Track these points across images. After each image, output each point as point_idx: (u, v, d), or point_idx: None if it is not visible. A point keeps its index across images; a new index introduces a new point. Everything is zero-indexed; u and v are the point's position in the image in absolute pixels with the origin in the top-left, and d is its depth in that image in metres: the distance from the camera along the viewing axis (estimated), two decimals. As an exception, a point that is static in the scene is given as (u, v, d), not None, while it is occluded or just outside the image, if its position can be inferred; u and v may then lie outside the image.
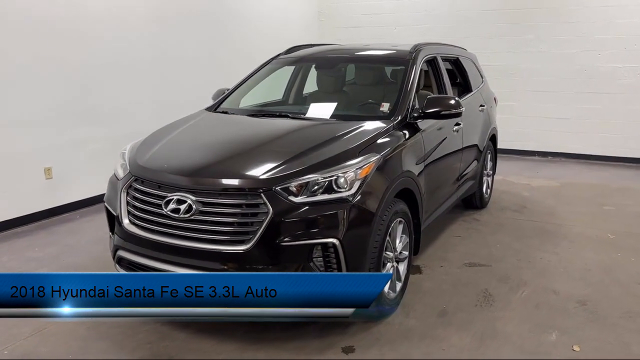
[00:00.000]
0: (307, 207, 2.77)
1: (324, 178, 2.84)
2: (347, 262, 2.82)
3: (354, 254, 2.86)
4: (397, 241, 3.37)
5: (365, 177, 2.93)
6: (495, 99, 6.09)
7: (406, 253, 3.52)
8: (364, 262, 2.92)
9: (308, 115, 3.79)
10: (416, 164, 3.55)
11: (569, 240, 4.75)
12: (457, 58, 5.21)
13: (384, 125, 3.45)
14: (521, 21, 8.29)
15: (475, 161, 5.14)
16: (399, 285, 3.43)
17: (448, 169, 4.32)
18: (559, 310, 3.45)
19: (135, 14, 5.92)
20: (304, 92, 4.85)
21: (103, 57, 5.55)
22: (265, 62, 4.63)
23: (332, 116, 3.75)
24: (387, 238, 3.16)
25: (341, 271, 2.83)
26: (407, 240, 3.50)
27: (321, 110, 3.95)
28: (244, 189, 2.78)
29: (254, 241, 2.71)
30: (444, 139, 4.17)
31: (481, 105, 5.29)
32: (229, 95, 4.30)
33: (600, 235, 4.86)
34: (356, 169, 2.91)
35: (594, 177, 7.16)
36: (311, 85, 4.87)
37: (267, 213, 2.73)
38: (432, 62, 4.54)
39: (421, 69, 4.53)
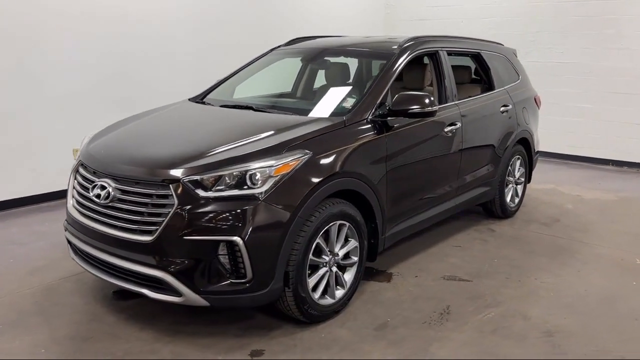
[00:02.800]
0: (213, 202, 2.69)
1: (237, 173, 2.74)
2: (253, 263, 2.71)
3: (261, 255, 2.74)
4: (338, 245, 3.17)
5: (284, 174, 2.79)
6: (536, 99, 5.54)
7: (355, 258, 3.31)
8: (277, 265, 2.79)
9: (273, 108, 3.67)
10: (372, 164, 3.31)
11: (584, 261, 4.20)
12: (479, 53, 4.79)
13: (334, 121, 3.26)
14: (600, 13, 7.43)
15: (490, 165, 4.70)
16: (339, 292, 3.24)
17: (434, 172, 3.99)
18: (516, 338, 3.06)
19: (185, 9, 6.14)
20: (312, 86, 4.73)
21: (146, 49, 5.81)
22: (264, 54, 4.57)
23: (293, 110, 3.61)
24: (318, 241, 2.99)
25: (245, 271, 2.73)
26: (357, 245, 3.29)
27: (286, 104, 3.83)
28: (155, 180, 2.77)
29: (157, 232, 2.69)
30: (429, 139, 3.86)
31: (504, 106, 4.82)
32: (218, 85, 4.30)
33: (626, 259, 4.24)
34: (271, 166, 2.78)
35: (666, 192, 6.27)
36: (320, 79, 4.75)
37: (172, 205, 2.70)
38: (433, 57, 4.21)
39: (422, 64, 4.28)
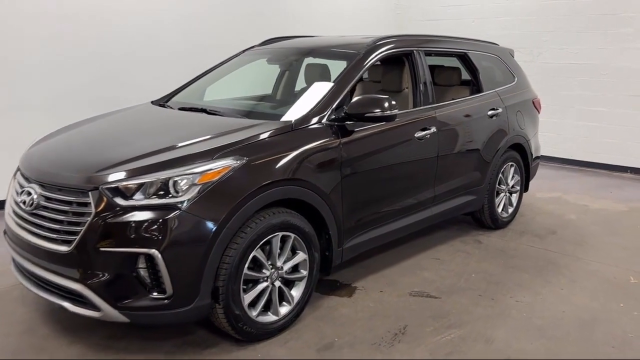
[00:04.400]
0: (132, 212, 2.52)
1: (160, 180, 2.57)
2: (173, 278, 2.53)
3: (183, 269, 2.55)
4: (282, 258, 2.96)
5: (211, 182, 2.59)
6: (535, 103, 5.19)
7: (305, 272, 3.10)
8: (202, 280, 2.59)
9: (225, 111, 3.46)
10: (323, 171, 3.09)
11: (571, 279, 3.86)
12: (465, 54, 4.49)
13: (281, 125, 3.05)
14: (617, 11, 6.98)
15: (476, 172, 4.40)
16: (284, 309, 3.02)
17: (404, 180, 3.73)
18: (471, 365, 2.79)
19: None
20: (289, 88, 4.54)
21: (134, 49, 5.72)
22: (236, 54, 4.40)
23: (247, 114, 3.42)
24: (256, 254, 2.79)
25: (165, 287, 2.55)
26: (306, 257, 3.07)
27: (244, 107, 3.64)
28: (75, 186, 2.62)
29: (75, 243, 2.54)
30: (396, 145, 3.60)
31: (493, 109, 4.51)
32: (185, 87, 4.15)
33: (618, 277, 3.89)
34: (195, 173, 2.59)
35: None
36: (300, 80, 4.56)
37: (90, 214, 2.54)
38: (408, 58, 3.96)
39: (401, 65, 4.04)
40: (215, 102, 3.93)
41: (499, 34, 7.94)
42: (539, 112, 5.31)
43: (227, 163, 2.67)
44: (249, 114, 3.45)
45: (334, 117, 3.23)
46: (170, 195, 2.55)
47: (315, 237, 3.11)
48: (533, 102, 5.16)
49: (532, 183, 5.84)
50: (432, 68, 4.87)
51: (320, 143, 3.10)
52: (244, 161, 2.72)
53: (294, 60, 4.20)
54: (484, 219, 4.74)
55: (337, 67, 3.62)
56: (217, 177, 2.61)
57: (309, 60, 4.12)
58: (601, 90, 7.22)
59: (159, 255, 2.48)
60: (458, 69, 4.69)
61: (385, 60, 3.86)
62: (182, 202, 2.53)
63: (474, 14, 8.27)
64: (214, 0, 6.37)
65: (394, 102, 3.24)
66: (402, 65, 4.06)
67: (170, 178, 2.56)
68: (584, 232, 4.85)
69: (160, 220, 2.49)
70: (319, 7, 7.74)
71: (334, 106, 3.26)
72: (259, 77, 4.72)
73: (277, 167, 2.85)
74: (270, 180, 2.79)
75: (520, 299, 3.54)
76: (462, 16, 8.40)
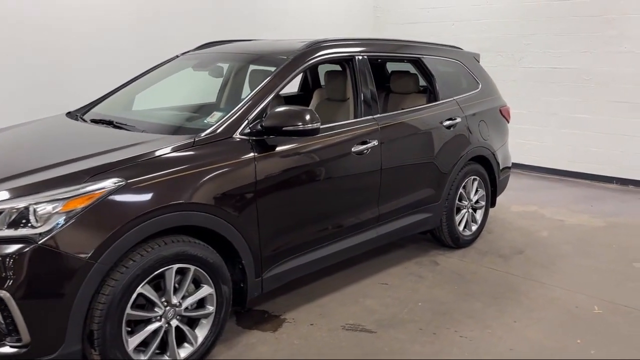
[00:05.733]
0: (-18, 245, 2.17)
1: (15, 209, 2.21)
2: (29, 323, 2.17)
3: (42, 313, 2.19)
4: (180, 294, 2.60)
5: (77, 209, 2.23)
6: (502, 111, 4.82)
7: (211, 308, 2.73)
8: (67, 324, 2.23)
9: (136, 124, 3.09)
10: (231, 193, 2.72)
11: (528, 308, 3.47)
12: (418, 59, 4.12)
13: (181, 141, 2.69)
14: (601, 13, 6.59)
15: (430, 188, 4.03)
16: (185, 352, 2.66)
17: (338, 199, 3.36)
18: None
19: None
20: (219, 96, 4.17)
21: (83, 58, 5.36)
22: (169, 59, 4.05)
23: (158, 127, 3.04)
24: (143, 292, 2.43)
25: (20, 334, 2.18)
26: (212, 291, 2.70)
27: (158, 119, 3.28)
28: None
29: None
30: (328, 161, 3.23)
31: (450, 119, 4.13)
32: (107, 97, 3.80)
33: (582, 307, 3.50)
34: (58, 199, 2.23)
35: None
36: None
37: None
38: (349, 64, 3.60)
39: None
40: (134, 113, 3.57)
41: (479, 37, 7.58)
42: (507, 122, 4.93)
43: (100, 186, 2.30)
44: (164, 127, 3.08)
45: (248, 130, 2.86)
46: (29, 226, 2.19)
47: (224, 268, 2.74)
48: (500, 111, 4.78)
49: (508, 195, 5.49)
50: (388, 74, 4.52)
51: (229, 160, 2.73)
52: (123, 184, 2.35)
53: (219, 66, 3.83)
54: (443, 238, 4.36)
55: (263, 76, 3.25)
56: (87, 204, 2.25)
57: (238, 66, 3.76)
58: (585, 96, 6.84)
59: (11, 298, 2.12)
60: (415, 75, 4.33)
61: (331, 66, 3.48)
62: (41, 234, 2.17)
63: (453, 17, 7.91)
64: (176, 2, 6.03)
65: (315, 115, 2.88)
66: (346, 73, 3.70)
67: (29, 205, 2.20)
68: (553, 252, 4.46)
69: (13, 256, 2.13)
70: (295, 11, 7.43)
71: (249, 118, 2.89)
72: (203, 84, 4.37)
73: (168, 189, 2.49)
74: (158, 205, 2.43)
75: (466, 333, 3.15)
76: (442, 19, 8.04)
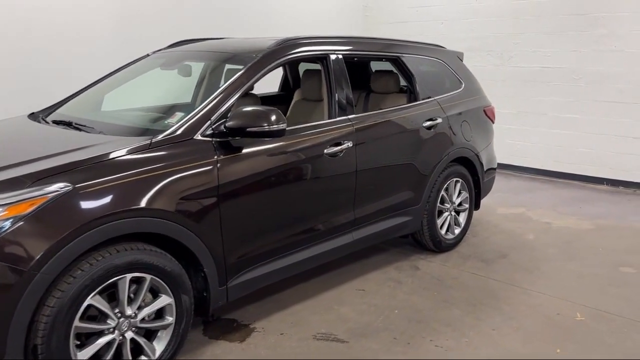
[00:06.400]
0: None
1: None
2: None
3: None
4: (135, 305, 2.47)
5: (17, 217, 2.10)
6: (486, 111, 4.69)
7: (171, 319, 2.60)
8: (7, 338, 2.10)
9: (96, 125, 2.96)
10: (191, 197, 2.59)
11: (508, 316, 3.35)
12: (397, 58, 3.99)
13: (137, 142, 2.56)
14: (591, 11, 6.47)
15: (409, 191, 3.90)
16: (140, 365, 2.53)
17: (310, 203, 3.24)
18: None
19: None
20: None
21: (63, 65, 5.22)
22: (139, 58, 3.92)
23: (112, 130, 2.89)
24: (93, 303, 2.30)
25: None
26: (171, 301, 2.57)
27: (115, 120, 3.15)
28: None
29: None
30: (298, 163, 3.11)
31: (431, 120, 4.01)
32: (73, 97, 3.66)
33: (563, 314, 3.38)
34: (-2, 205, 2.10)
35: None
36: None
37: None
38: (323, 62, 3.47)
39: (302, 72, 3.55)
40: (98, 114, 3.44)
41: (469, 37, 7.47)
42: (492, 122, 4.81)
43: (44, 192, 2.17)
44: (123, 128, 2.94)
45: (211, 132, 2.73)
46: (-35, 234, 2.05)
47: (184, 276, 2.61)
48: (485, 111, 4.66)
49: (495, 197, 5.38)
50: (369, 73, 4.40)
51: (188, 163, 2.60)
52: (70, 189, 2.22)
53: (187, 65, 3.70)
54: (424, 242, 4.24)
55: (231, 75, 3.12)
56: (28, 210, 2.12)
57: (207, 65, 3.63)
58: (575, 95, 6.72)
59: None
60: (396, 74, 4.20)
61: (310, 65, 3.35)
62: (-27, 243, 2.04)
63: (442, 16, 7.80)
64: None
65: (282, 115, 2.75)
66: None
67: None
68: (538, 255, 4.34)
69: None
70: (284, 11, 7.32)
71: (212, 119, 2.76)
72: (178, 84, 4.23)
73: (120, 194, 2.36)
74: (108, 211, 2.30)
75: (442, 342, 3.03)
76: (431, 18, 7.92)
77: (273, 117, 2.72)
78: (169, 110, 3.53)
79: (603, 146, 6.59)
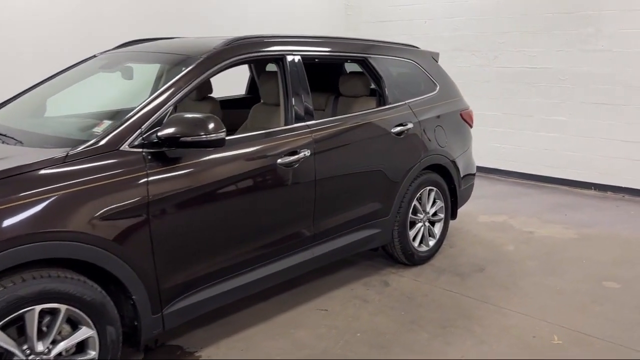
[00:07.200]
0: None
1: None
2: None
3: None
4: (48, 339, 2.18)
5: None
6: (463, 115, 4.42)
7: (93, 353, 2.32)
8: None
9: (16, 134, 2.64)
10: (112, 218, 2.30)
11: (479, 339, 3.08)
12: (365, 59, 3.72)
13: (50, 155, 2.27)
14: (577, 9, 6.21)
15: (376, 202, 3.63)
16: (57, 404, 2.24)
17: (261, 218, 2.96)
18: None
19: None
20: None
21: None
22: (85, 59, 3.63)
23: (33, 140, 2.60)
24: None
25: None
26: (92, 334, 2.29)
27: (41, 128, 2.86)
28: None
29: None
30: (246, 175, 2.83)
31: (400, 125, 3.74)
32: (10, 102, 3.37)
33: (539, 336, 3.11)
34: None
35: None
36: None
37: None
38: (279, 64, 3.20)
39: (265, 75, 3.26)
40: (24, 122, 3.11)
41: (453, 35, 7.22)
42: (470, 126, 4.54)
43: None
44: (46, 138, 2.65)
45: (140, 142, 2.45)
46: None
47: (108, 305, 2.33)
48: (461, 115, 4.39)
49: (478, 203, 5.14)
50: (337, 75, 4.12)
51: (111, 178, 2.32)
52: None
53: (128, 67, 3.41)
54: (396, 255, 3.97)
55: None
56: None
57: (151, 67, 3.34)
58: (561, 97, 6.46)
59: None
60: (365, 76, 3.93)
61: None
62: None
63: (425, 14, 7.54)
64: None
65: (220, 123, 2.47)
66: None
67: None
68: (517, 269, 4.07)
69: None
70: (266, 9, 7.07)
71: (143, 128, 2.48)
72: (130, 87, 3.94)
73: (24, 215, 2.07)
74: (9, 235, 2.01)
75: (403, 372, 2.75)
76: (414, 16, 7.66)
77: (211, 125, 2.44)
78: (114, 116, 3.24)
79: (591, 149, 6.33)
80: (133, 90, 3.38)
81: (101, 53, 3.65)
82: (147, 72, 3.17)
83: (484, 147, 7.09)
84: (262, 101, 3.80)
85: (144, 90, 2.85)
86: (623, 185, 6.17)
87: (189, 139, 2.41)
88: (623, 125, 6.05)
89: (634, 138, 5.99)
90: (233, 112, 4.21)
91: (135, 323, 2.48)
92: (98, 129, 2.51)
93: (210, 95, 3.93)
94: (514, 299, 3.57)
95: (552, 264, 4.17)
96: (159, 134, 2.43)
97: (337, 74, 4.43)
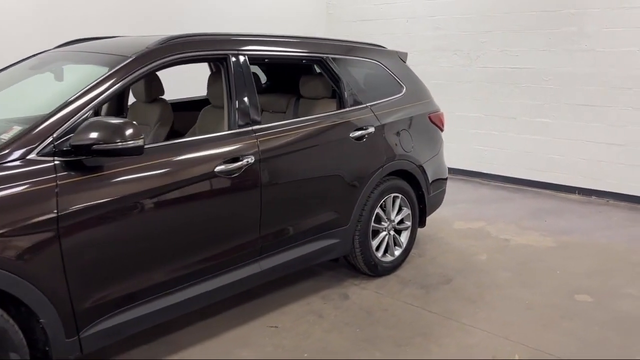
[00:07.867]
0: None
1: None
2: None
3: None
4: None
5: None
6: (432, 118, 4.21)
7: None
8: None
9: None
10: (13, 234, 2.09)
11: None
12: (322, 59, 3.51)
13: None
14: (560, 7, 6.00)
15: (332, 212, 3.42)
16: None
17: (198, 230, 2.74)
18: None
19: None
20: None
21: None
22: (25, 57, 3.41)
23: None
24: None
25: None
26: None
27: None
28: None
29: None
30: (181, 184, 2.61)
31: (360, 129, 3.53)
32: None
33: (500, 355, 2.90)
34: None
35: (627, 236, 4.79)
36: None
37: None
38: (223, 65, 2.98)
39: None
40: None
41: (435, 35, 7.01)
42: (441, 130, 4.32)
43: None
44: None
45: (51, 150, 2.24)
46: None
47: (10, 330, 2.12)
48: (430, 118, 4.17)
49: (456, 208, 4.93)
50: (297, 76, 3.91)
51: (11, 189, 2.10)
52: None
53: (59, 68, 3.20)
54: (358, 265, 3.76)
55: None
56: None
57: (82, 67, 3.12)
58: (545, 98, 6.26)
59: None
60: (325, 77, 3.71)
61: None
62: None
63: (406, 13, 7.33)
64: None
65: (138, 130, 2.26)
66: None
67: None
68: (487, 280, 3.86)
69: None
70: (247, 8, 6.92)
71: (55, 134, 2.27)
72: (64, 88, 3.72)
73: None
74: None
75: (347, 398, 2.54)
76: (395, 15, 7.46)
77: (128, 132, 2.23)
78: (29, 122, 3.02)
79: (575, 153, 6.13)
80: (61, 92, 3.17)
81: (42, 52, 3.43)
82: (77, 73, 2.94)
83: (467, 150, 6.90)
84: (211, 104, 3.59)
85: (72, 93, 2.63)
86: (607, 190, 5.96)
87: (103, 146, 2.19)
88: (607, 128, 5.85)
89: (618, 140, 5.79)
90: (188, 114, 4.00)
91: (47, 348, 2.26)
92: (5, 136, 2.29)
93: (161, 97, 3.72)
94: (479, 314, 3.36)
95: (524, 275, 3.96)
96: (74, 142, 2.22)
97: (304, 75, 4.22)
